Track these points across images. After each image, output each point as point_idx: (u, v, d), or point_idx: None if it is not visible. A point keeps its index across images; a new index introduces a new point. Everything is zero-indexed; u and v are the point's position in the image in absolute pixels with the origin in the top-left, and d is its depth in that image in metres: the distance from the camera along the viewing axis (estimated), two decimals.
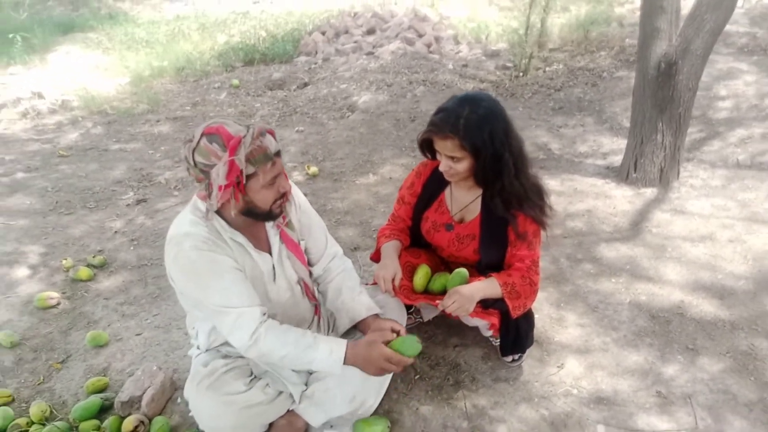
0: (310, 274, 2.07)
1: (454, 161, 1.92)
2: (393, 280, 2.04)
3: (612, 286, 2.86)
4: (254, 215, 1.73)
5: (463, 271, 2.12)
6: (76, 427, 2.13)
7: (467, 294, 1.96)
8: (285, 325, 1.77)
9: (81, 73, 8.42)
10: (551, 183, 4.02)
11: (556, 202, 3.66)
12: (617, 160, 4.22)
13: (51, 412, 2.22)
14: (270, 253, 1.86)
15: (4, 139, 5.80)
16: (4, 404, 2.25)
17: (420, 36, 8.29)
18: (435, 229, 2.22)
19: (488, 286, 2.02)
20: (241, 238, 1.77)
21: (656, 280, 2.89)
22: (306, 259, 2.01)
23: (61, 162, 5.09)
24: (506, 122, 1.91)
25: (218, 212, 1.72)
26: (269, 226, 1.86)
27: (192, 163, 1.60)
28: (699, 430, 2.02)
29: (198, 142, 1.57)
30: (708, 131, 4.69)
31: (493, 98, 1.94)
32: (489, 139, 1.85)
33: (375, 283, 2.10)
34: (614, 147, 4.55)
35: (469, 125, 1.83)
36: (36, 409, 2.19)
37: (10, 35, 9.27)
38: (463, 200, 2.15)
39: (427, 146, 2.07)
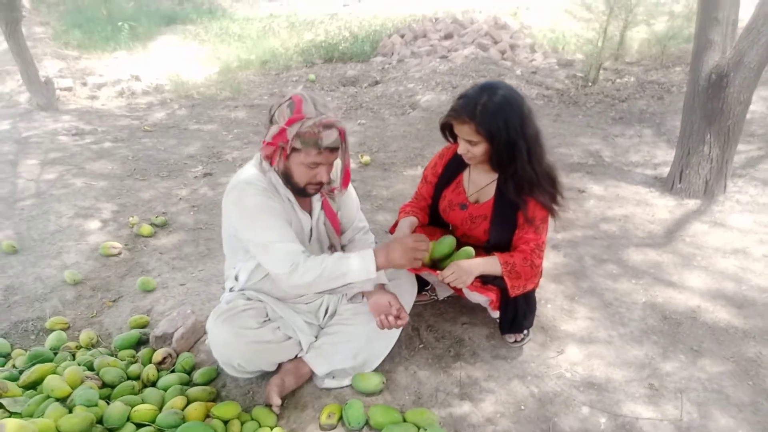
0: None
1: (471, 145, 2.07)
2: None
3: (631, 286, 2.91)
4: (290, 183, 1.98)
5: (469, 248, 2.25)
6: (116, 354, 2.44)
7: (467, 268, 2.10)
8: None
9: (176, 61, 9.08)
10: (595, 188, 4.06)
11: (594, 205, 3.73)
12: (667, 171, 4.19)
13: (97, 340, 2.54)
14: (311, 216, 2.11)
15: (100, 113, 6.42)
16: (60, 329, 2.61)
17: (496, 43, 8.38)
18: (450, 208, 2.37)
19: (489, 263, 2.15)
20: (291, 197, 2.03)
21: (677, 285, 2.91)
22: (340, 230, 2.24)
23: (144, 136, 5.60)
24: (522, 110, 2.01)
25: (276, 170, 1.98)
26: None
27: (271, 112, 1.89)
28: (683, 422, 2.07)
29: (285, 100, 1.85)
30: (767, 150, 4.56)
31: (511, 87, 2.06)
32: (504, 125, 1.98)
33: None
34: (667, 159, 4.51)
35: (486, 112, 1.97)
36: (85, 336, 2.52)
37: (119, 23, 10.10)
38: (480, 182, 2.29)
39: (448, 130, 2.23)
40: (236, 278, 2.23)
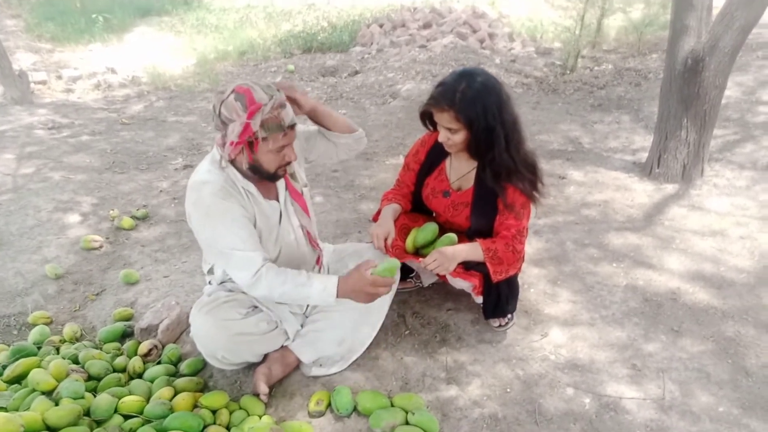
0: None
1: (451, 132, 2.07)
2: (386, 239, 2.23)
3: (612, 269, 2.95)
4: (259, 173, 1.93)
5: (452, 235, 2.27)
6: (101, 347, 2.42)
7: (449, 254, 2.12)
8: (282, 267, 1.96)
9: (152, 53, 8.95)
10: (574, 174, 4.10)
11: (575, 191, 3.77)
12: (645, 156, 4.25)
13: (81, 333, 2.53)
14: (278, 200, 2.08)
15: (77, 107, 6.32)
16: (43, 324, 2.58)
17: (474, 32, 8.40)
18: (433, 195, 2.38)
19: (471, 250, 2.17)
20: (252, 188, 1.97)
21: (657, 267, 2.96)
22: (308, 206, 2.21)
23: (122, 129, 5.53)
24: (500, 97, 2.02)
25: (233, 163, 1.93)
26: None
27: (217, 113, 1.82)
28: (665, 401, 2.11)
29: (227, 96, 1.78)
30: (743, 134, 4.64)
31: (489, 74, 2.07)
32: (482, 112, 1.98)
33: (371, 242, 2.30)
34: (645, 144, 4.56)
35: (465, 98, 1.97)
36: (69, 329, 2.50)
37: (93, 15, 9.92)
38: (462, 170, 2.30)
39: (428, 118, 2.24)
40: (211, 272, 2.21)
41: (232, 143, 1.80)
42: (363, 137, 2.40)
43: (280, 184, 2.09)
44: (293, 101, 2.01)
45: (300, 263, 2.20)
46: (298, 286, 1.91)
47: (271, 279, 1.89)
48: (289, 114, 1.83)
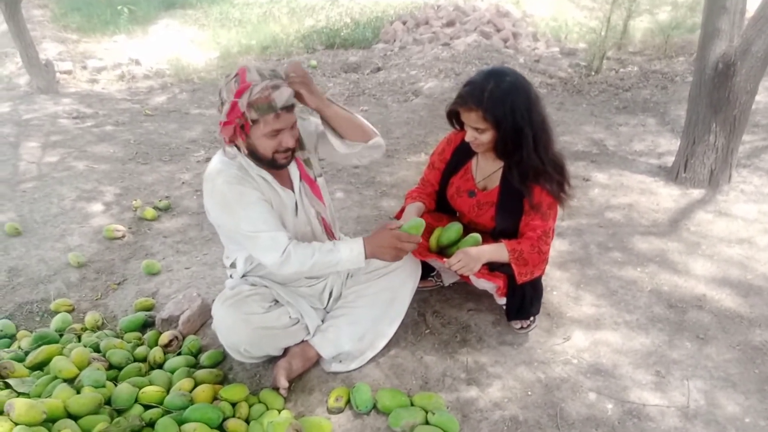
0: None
1: (478, 132, 2.05)
2: None
3: (636, 274, 2.91)
4: (258, 159, 1.90)
5: (476, 235, 2.25)
6: (122, 337, 2.43)
7: (474, 255, 2.10)
8: (306, 242, 1.96)
9: (176, 45, 9.01)
10: (599, 176, 4.05)
11: (599, 194, 3.73)
12: (671, 160, 4.18)
13: (103, 322, 2.54)
14: (293, 190, 2.06)
15: (101, 97, 6.38)
16: (65, 311, 2.60)
17: (498, 31, 8.33)
18: (458, 195, 2.36)
19: (496, 250, 2.15)
20: (266, 175, 1.95)
21: (683, 273, 2.91)
22: (322, 194, 2.17)
23: (146, 120, 5.57)
24: (529, 97, 2.00)
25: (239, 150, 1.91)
26: (291, 165, 2.02)
27: (219, 95, 1.82)
28: (689, 409, 2.07)
29: (232, 77, 1.78)
30: None
31: (517, 74, 2.04)
32: (510, 112, 1.96)
33: None
34: (671, 148, 4.49)
35: (492, 98, 1.94)
36: (90, 318, 2.52)
37: (119, 6, 10.01)
38: (488, 170, 2.28)
39: (455, 117, 2.21)
40: (233, 265, 2.21)
41: (221, 123, 1.80)
42: (379, 145, 2.14)
43: (294, 173, 2.05)
44: (298, 95, 1.88)
45: None
46: (327, 253, 1.90)
47: (300, 254, 1.88)
48: (283, 95, 1.75)
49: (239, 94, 1.73)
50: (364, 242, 1.93)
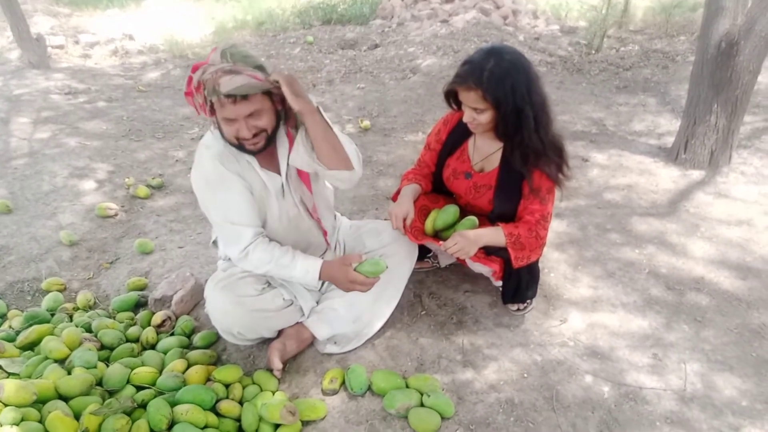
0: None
1: (477, 112, 1.99)
2: (405, 219, 2.17)
3: (634, 256, 2.88)
4: (229, 142, 1.82)
5: (473, 218, 2.22)
6: (114, 317, 2.40)
7: (471, 238, 2.06)
8: (273, 243, 1.95)
9: (171, 21, 8.87)
10: (598, 157, 4.01)
11: (598, 174, 3.69)
12: (671, 141, 4.14)
13: (95, 302, 2.51)
14: (279, 173, 1.99)
15: (93, 73, 6.28)
16: (57, 290, 2.57)
17: (498, 8, 8.21)
18: (455, 176, 2.31)
19: (493, 234, 2.11)
20: (248, 156, 1.89)
21: (681, 255, 2.89)
22: (310, 181, 2.10)
23: (139, 96, 5.49)
24: (529, 77, 1.94)
25: None
26: (280, 147, 1.96)
27: None
28: (686, 392, 2.06)
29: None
30: None
31: (518, 52, 1.97)
32: (510, 91, 1.90)
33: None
34: (671, 128, 4.45)
35: (492, 77, 1.88)
36: (82, 297, 2.49)
37: None
38: (485, 151, 2.23)
39: (452, 97, 2.15)
40: (216, 244, 2.20)
41: (185, 93, 1.78)
42: (353, 179, 1.98)
43: (282, 154, 1.97)
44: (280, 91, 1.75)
45: (305, 238, 2.17)
46: (282, 268, 1.95)
47: (258, 258, 1.92)
48: (232, 82, 1.62)
49: (194, 69, 1.70)
50: (321, 268, 1.95)
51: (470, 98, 1.96)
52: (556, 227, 3.11)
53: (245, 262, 1.93)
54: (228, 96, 1.64)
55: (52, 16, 8.50)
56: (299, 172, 2.05)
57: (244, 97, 1.68)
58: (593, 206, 3.36)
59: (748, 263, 2.83)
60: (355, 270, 1.94)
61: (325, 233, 2.25)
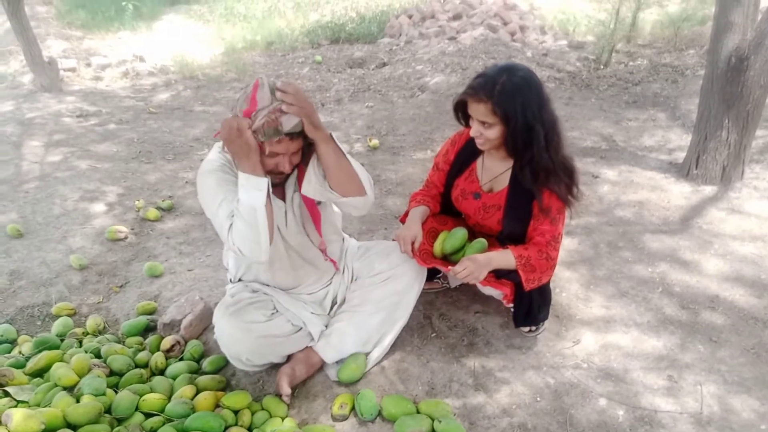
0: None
1: (484, 127, 1.98)
2: (413, 242, 2.16)
3: (647, 274, 2.85)
4: None
5: (482, 240, 2.20)
6: (123, 341, 2.40)
7: (480, 262, 2.04)
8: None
9: (181, 42, 8.96)
10: (608, 173, 3.98)
11: (608, 191, 3.66)
12: (682, 156, 4.10)
13: (104, 326, 2.51)
14: (284, 200, 2.00)
15: (105, 95, 6.35)
16: (67, 315, 2.57)
17: (505, 24, 8.22)
18: (463, 197, 2.30)
19: (503, 257, 2.09)
20: None
21: (695, 272, 2.85)
22: (315, 205, 2.07)
23: (149, 118, 5.54)
24: (540, 95, 1.94)
25: None
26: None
27: (233, 108, 1.78)
28: (703, 415, 2.02)
29: (249, 91, 1.73)
30: None
31: (530, 70, 1.98)
32: (521, 108, 1.90)
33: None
34: (682, 143, 4.41)
35: (504, 92, 1.88)
36: (92, 322, 2.49)
37: (123, 3, 9.97)
38: (494, 171, 2.21)
39: (461, 110, 2.14)
40: (227, 266, 2.17)
41: (252, 130, 1.71)
42: (366, 205, 2.02)
43: (289, 185, 2.00)
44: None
45: (310, 264, 2.17)
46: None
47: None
48: (290, 122, 1.69)
49: (247, 114, 1.70)
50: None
51: (479, 111, 1.96)
52: (567, 245, 3.08)
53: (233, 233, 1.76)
54: (287, 134, 1.70)
55: (64, 39, 8.62)
56: (304, 199, 2.04)
57: (299, 134, 1.73)
58: (604, 223, 3.33)
59: (764, 280, 2.78)
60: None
61: (334, 262, 2.24)
